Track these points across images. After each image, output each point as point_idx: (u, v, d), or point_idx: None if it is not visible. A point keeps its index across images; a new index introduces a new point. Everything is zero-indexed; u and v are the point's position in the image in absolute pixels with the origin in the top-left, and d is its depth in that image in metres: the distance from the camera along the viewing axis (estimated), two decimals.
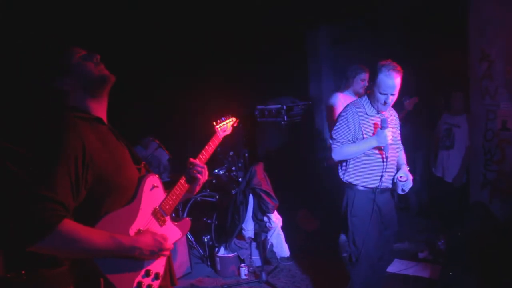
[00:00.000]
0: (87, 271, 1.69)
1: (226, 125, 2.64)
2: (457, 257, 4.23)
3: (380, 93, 3.26)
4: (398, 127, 3.60)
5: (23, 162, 2.73)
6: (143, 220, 1.87)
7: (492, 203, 4.52)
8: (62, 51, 1.82)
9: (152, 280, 1.84)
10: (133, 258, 1.75)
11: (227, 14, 5.89)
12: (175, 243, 2.05)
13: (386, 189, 3.43)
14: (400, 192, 3.36)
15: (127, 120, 1.94)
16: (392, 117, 3.54)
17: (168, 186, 2.10)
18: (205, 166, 2.23)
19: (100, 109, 1.88)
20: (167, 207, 2.01)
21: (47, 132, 1.69)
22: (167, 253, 1.90)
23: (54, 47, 1.84)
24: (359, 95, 4.68)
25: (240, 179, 5.41)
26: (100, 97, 1.88)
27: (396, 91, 3.27)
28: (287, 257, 4.90)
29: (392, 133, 3.29)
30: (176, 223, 2.07)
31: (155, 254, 1.81)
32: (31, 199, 1.51)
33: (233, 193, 4.97)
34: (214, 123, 2.61)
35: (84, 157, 1.64)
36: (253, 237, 4.82)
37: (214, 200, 5.47)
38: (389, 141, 3.23)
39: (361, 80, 4.78)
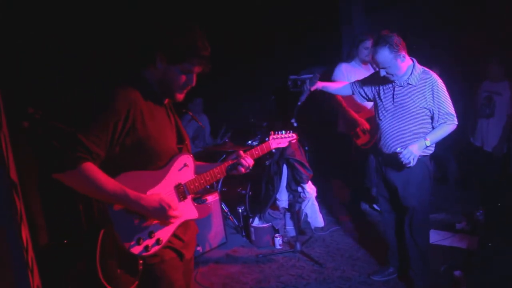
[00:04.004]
0: (100, 215, 1.89)
1: (282, 139, 2.71)
2: (497, 228, 4.15)
3: None
4: (413, 96, 3.28)
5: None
6: (164, 189, 1.98)
7: None
8: (200, 50, 1.92)
9: (152, 245, 1.92)
10: (137, 214, 1.88)
11: None
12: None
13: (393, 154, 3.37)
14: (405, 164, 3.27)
15: None
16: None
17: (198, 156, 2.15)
18: (252, 163, 2.36)
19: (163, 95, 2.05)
20: (191, 187, 2.11)
21: (100, 91, 1.89)
22: (173, 221, 1.98)
23: (203, 45, 1.93)
24: (365, 64, 4.80)
25: (273, 150, 5.40)
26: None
27: (381, 65, 3.29)
28: (321, 227, 4.90)
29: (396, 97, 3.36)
30: (196, 205, 2.14)
31: (156, 216, 1.91)
32: (69, 136, 1.76)
33: (267, 164, 4.97)
34: (271, 132, 2.69)
35: (125, 121, 1.82)
36: (287, 207, 4.83)
37: (248, 171, 5.49)
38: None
39: (365, 48, 4.69)
